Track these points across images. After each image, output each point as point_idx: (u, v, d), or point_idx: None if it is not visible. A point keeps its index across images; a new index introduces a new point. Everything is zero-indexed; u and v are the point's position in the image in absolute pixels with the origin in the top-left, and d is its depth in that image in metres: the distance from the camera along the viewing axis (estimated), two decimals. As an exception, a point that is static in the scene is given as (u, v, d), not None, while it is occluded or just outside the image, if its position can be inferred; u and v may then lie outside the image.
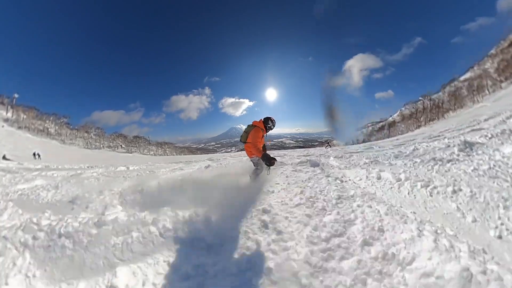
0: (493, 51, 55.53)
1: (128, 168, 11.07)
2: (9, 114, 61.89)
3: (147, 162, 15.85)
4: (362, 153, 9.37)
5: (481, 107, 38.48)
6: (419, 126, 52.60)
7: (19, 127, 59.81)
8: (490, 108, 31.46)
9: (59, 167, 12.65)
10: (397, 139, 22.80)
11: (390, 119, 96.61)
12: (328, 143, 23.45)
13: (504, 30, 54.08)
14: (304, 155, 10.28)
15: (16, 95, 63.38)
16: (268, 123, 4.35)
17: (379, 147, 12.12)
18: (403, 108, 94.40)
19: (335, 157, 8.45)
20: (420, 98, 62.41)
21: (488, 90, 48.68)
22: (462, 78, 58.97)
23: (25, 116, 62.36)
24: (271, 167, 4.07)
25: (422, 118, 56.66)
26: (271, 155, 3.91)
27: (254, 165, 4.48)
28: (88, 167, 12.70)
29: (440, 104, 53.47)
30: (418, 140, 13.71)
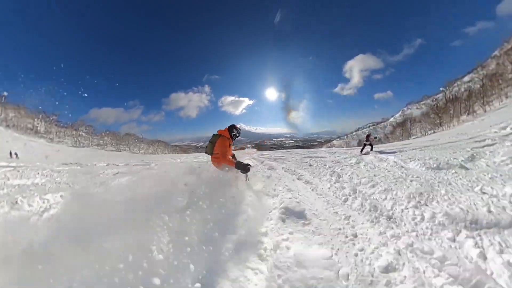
0: (496, 53, 55.23)
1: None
2: (-2, 113, 59.44)
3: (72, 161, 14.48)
4: None
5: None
6: (440, 124, 46.44)
7: (7, 126, 57.42)
8: None
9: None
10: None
11: (392, 119, 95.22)
12: (369, 136, 11.90)
13: (506, 32, 53.47)
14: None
15: (5, 93, 61.01)
16: (232, 131, 4.17)
17: None
18: (405, 108, 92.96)
19: None
20: (441, 89, 58.42)
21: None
22: (465, 78, 57.72)
23: (13, 115, 60.00)
24: (248, 173, 3.88)
25: (450, 112, 47.50)
26: (244, 162, 3.81)
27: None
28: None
29: (473, 94, 44.18)
30: None
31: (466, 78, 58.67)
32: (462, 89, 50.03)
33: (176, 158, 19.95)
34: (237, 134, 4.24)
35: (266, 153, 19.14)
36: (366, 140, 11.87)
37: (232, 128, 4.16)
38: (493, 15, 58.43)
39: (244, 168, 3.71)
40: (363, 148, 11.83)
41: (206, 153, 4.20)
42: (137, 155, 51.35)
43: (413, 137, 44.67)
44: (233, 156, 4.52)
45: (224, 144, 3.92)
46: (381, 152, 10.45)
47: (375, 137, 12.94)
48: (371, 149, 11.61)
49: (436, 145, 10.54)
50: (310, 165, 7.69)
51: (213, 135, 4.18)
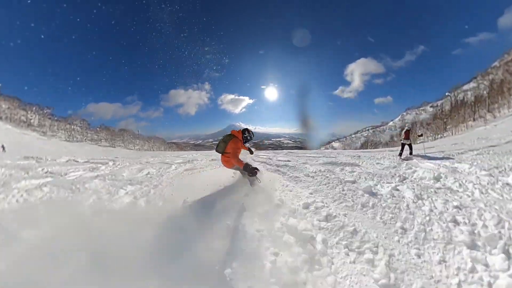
0: (496, 63, 56.24)
1: None
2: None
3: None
4: None
5: None
6: (445, 129, 46.17)
7: (0, 118, 56.11)
8: None
9: None
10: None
11: (391, 123, 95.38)
12: (410, 132, 8.10)
13: (508, 44, 55.73)
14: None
15: (-1, 84, 59.57)
16: (245, 133, 4.38)
17: None
18: (404, 113, 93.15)
19: None
20: (447, 94, 59.18)
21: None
22: (465, 86, 58.62)
23: (7, 107, 58.73)
24: (257, 175, 3.96)
25: (456, 118, 46.45)
26: (252, 166, 3.94)
27: (241, 173, 4.47)
28: None
29: (479, 99, 43.93)
30: None
31: (466, 87, 59.61)
32: (469, 95, 50.18)
33: (156, 156, 18.46)
34: (249, 137, 4.44)
35: (263, 154, 13.41)
36: (406, 139, 8.18)
37: (245, 130, 4.43)
38: (494, 27, 59.97)
39: (251, 171, 3.90)
40: (402, 150, 8.29)
41: (217, 151, 4.24)
42: (131, 151, 50.29)
43: (418, 141, 44.32)
44: (249, 149, 4.89)
45: (236, 145, 4.10)
46: (428, 158, 7.29)
47: (420, 135, 10.63)
48: (411, 152, 8.31)
49: (478, 149, 8.39)
50: (374, 193, 3.72)
51: (227, 134, 4.29)
